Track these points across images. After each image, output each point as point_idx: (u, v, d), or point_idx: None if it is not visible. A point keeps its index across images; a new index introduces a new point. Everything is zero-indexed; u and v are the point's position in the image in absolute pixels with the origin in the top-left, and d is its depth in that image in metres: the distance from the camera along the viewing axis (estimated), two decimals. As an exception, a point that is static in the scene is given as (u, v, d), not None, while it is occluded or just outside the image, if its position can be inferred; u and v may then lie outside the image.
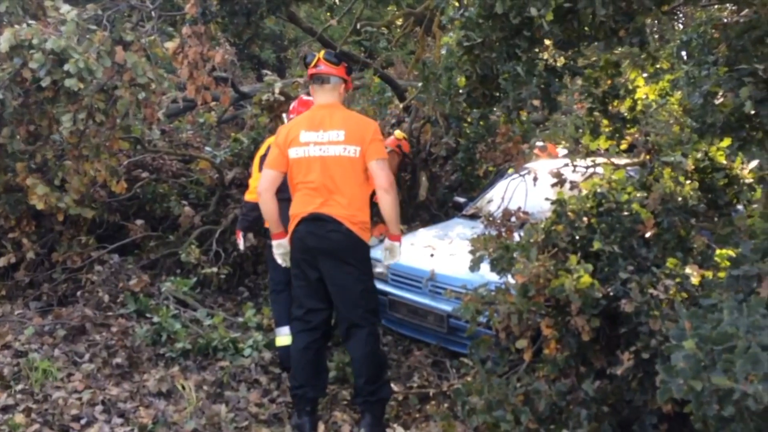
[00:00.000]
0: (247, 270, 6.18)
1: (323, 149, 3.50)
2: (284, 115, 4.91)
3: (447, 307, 4.46)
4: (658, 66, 3.91)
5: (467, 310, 3.23)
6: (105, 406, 3.57)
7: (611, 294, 2.94)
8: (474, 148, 7.58)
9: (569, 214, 3.35)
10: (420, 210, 7.73)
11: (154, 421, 3.42)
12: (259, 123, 6.25)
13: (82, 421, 3.40)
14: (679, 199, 3.26)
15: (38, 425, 3.29)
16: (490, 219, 5.23)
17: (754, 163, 4.28)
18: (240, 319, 4.90)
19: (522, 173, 5.16)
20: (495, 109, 4.02)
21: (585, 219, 3.33)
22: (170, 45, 4.15)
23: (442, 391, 3.84)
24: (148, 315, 4.77)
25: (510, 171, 5.83)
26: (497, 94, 3.60)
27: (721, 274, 2.72)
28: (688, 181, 3.29)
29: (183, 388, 3.83)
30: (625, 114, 3.81)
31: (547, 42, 3.36)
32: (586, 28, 3.32)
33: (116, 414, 3.51)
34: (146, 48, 4.25)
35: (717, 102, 4.30)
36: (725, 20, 3.49)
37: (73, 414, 3.44)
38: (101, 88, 4.09)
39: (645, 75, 3.88)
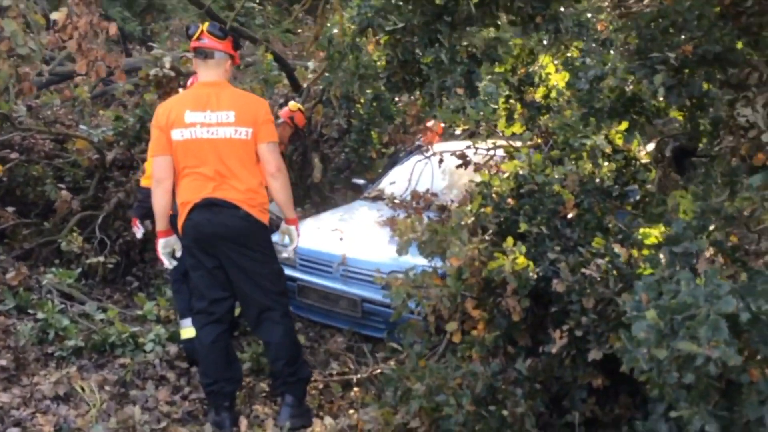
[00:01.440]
0: (134, 258, 5.78)
1: (212, 131, 3.26)
2: (181, 91, 4.60)
3: (360, 292, 4.41)
4: (569, 54, 4.01)
5: (398, 295, 3.17)
6: (-4, 414, 3.20)
7: (540, 274, 3.00)
8: (368, 129, 7.55)
9: (494, 196, 3.37)
10: (311, 192, 7.60)
11: (57, 429, 3.10)
12: (145, 100, 5.82)
13: (-28, 434, 3.03)
14: (597, 180, 3.37)
15: None
16: (398, 201, 5.24)
17: (651, 146, 4.53)
18: (138, 312, 4.56)
19: (428, 155, 5.17)
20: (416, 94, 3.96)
21: (509, 201, 3.36)
22: (57, 15, 3.73)
23: (364, 377, 3.76)
24: (30, 311, 4.33)
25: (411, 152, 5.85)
26: (418, 79, 3.56)
27: (645, 252, 2.83)
28: (605, 163, 3.39)
29: (82, 389, 3.51)
30: (540, 101, 3.88)
31: (468, 28, 3.36)
32: (504, 14, 3.36)
33: (11, 423, 3.15)
34: (25, 14, 3.80)
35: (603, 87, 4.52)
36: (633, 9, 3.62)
37: (-41, 426, 3.06)
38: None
39: (556, 62, 3.98)
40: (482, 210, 3.21)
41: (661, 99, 3.34)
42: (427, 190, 5.03)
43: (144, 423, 3.20)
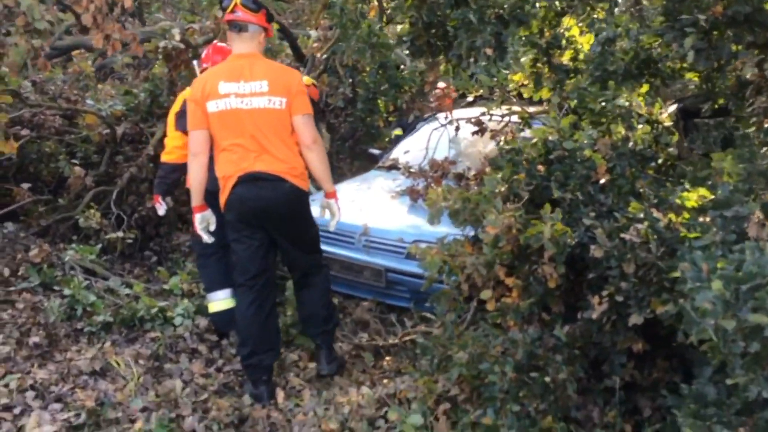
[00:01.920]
0: (149, 233, 5.77)
1: (246, 101, 3.25)
2: (195, 63, 4.54)
3: (384, 262, 4.41)
4: (594, 16, 3.97)
5: (433, 264, 3.18)
6: (36, 391, 3.21)
7: (575, 240, 3.00)
8: (374, 97, 7.50)
9: (524, 162, 3.36)
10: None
11: (99, 403, 3.12)
12: (155, 74, 5.75)
13: (15, 411, 3.04)
14: (630, 144, 3.36)
15: (-37, 420, 2.91)
16: (414, 170, 5.22)
17: (672, 108, 4.52)
18: (163, 287, 4.55)
19: (444, 123, 5.14)
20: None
21: (539, 167, 3.35)
22: (71, -15, 3.66)
23: (395, 345, 3.78)
24: (55, 288, 4.33)
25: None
26: (442, 43, 3.52)
27: (686, 216, 2.84)
28: (639, 126, 3.37)
29: (117, 364, 3.52)
30: (568, 64, 3.85)
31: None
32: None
33: (52, 399, 3.17)
34: (39, -13, 3.72)
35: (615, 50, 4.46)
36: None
37: (2, 404, 3.06)
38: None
39: (580, 24, 3.94)
40: (515, 177, 3.20)
41: (690, 62, 3.27)
42: (446, 158, 5.03)
43: (185, 396, 3.22)
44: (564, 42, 3.77)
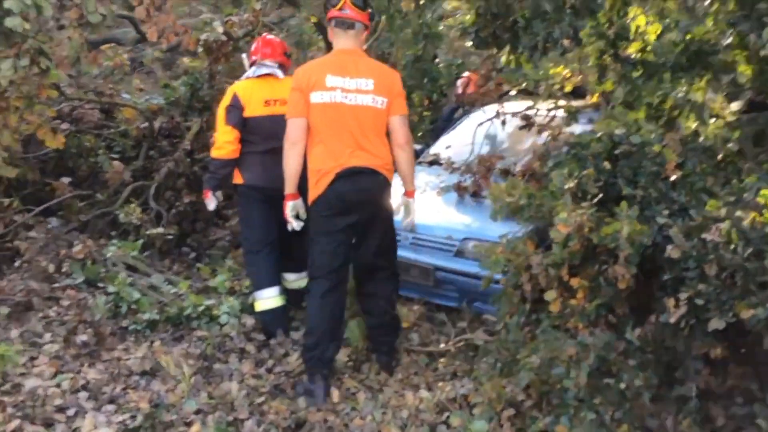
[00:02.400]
0: (186, 228, 5.69)
1: (350, 97, 3.32)
2: (244, 56, 4.45)
3: (432, 260, 4.28)
4: (665, 5, 3.81)
5: (497, 263, 3.06)
6: (89, 392, 3.14)
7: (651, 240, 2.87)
8: (409, 91, 7.37)
9: (590, 158, 3.22)
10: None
11: (153, 405, 3.04)
12: (193, 67, 5.67)
13: (69, 412, 2.96)
14: (701, 138, 3.22)
15: (18, 421, 2.82)
16: (460, 166, 5.09)
17: (735, 105, 4.33)
18: (206, 284, 4.47)
19: (492, 117, 5.01)
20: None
21: (606, 163, 3.22)
22: (125, -22, 3.58)
23: (452, 349, 3.66)
24: (99, 284, 4.27)
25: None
26: (507, 35, 3.39)
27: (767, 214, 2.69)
28: (712, 120, 3.22)
29: (167, 364, 3.44)
30: (636, 56, 3.69)
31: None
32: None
33: (105, 400, 3.09)
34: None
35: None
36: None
37: (56, 404, 2.99)
38: (40, 28, 3.47)
39: (648, 14, 3.78)
40: (583, 173, 3.06)
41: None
42: (494, 153, 4.90)
43: (242, 398, 3.13)
44: (633, 34, 3.61)
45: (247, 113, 3.84)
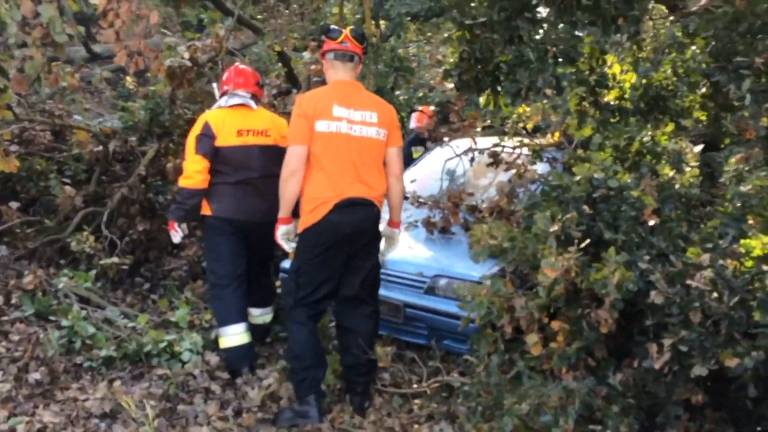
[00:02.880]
0: (138, 258, 5.47)
1: (355, 129, 3.35)
2: (215, 86, 4.34)
3: (402, 297, 4.22)
4: (640, 56, 3.91)
5: (481, 306, 3.02)
6: (47, 437, 2.93)
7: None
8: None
9: (571, 201, 3.24)
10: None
11: (116, 451, 2.86)
12: (154, 92, 5.50)
13: (26, 460, 2.76)
14: (677, 186, 3.28)
15: (-31, 471, 2.61)
16: (426, 201, 5.07)
17: (698, 148, 4.46)
18: (170, 318, 4.27)
19: (462, 153, 5.02)
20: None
21: (585, 207, 3.24)
22: (97, 0, 3.43)
23: (431, 389, 3.58)
24: (51, 318, 4.03)
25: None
26: (489, 78, 3.41)
27: (749, 263, 2.75)
28: (688, 168, 3.29)
29: (128, 405, 3.26)
30: (614, 103, 3.76)
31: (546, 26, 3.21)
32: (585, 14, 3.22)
33: (64, 446, 2.89)
34: (60, -1, 3.49)
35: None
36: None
37: (11, 453, 2.78)
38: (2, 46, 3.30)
39: (622, 63, 3.87)
40: (567, 216, 3.06)
41: (746, 104, 3.21)
42: (463, 189, 4.90)
43: (211, 443, 2.98)
44: (611, 81, 3.69)
45: (218, 142, 3.72)
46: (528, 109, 5.34)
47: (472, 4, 3.25)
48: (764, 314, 2.38)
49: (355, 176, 3.33)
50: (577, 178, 3.38)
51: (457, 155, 5.08)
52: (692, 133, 5.47)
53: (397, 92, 7.43)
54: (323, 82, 6.93)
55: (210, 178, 3.76)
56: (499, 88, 3.69)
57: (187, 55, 4.98)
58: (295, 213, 3.42)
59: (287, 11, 11.04)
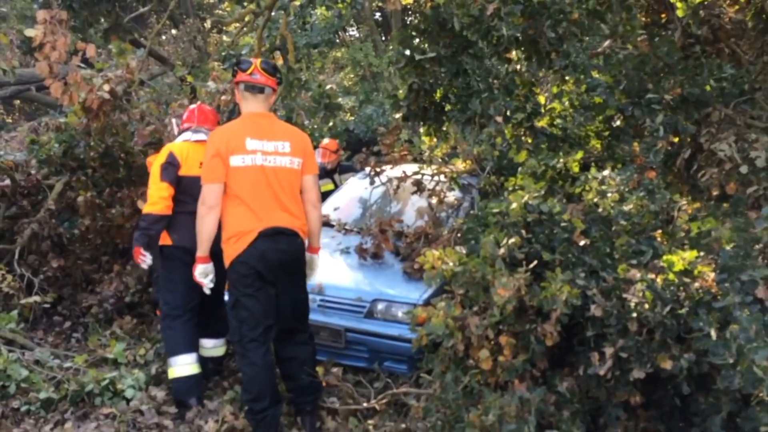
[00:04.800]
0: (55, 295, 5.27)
1: (269, 159, 3.39)
2: (174, 122, 4.38)
3: (342, 322, 4.34)
4: (563, 87, 4.29)
5: (439, 326, 3.21)
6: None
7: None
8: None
9: (510, 226, 3.51)
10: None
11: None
12: (68, 125, 5.33)
13: None
14: (600, 210, 3.63)
15: None
16: (356, 228, 5.26)
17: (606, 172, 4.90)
18: (106, 355, 4.16)
19: (385, 181, 5.23)
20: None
21: (523, 231, 3.52)
22: (34, 33, 3.34)
23: (382, 406, 3.70)
24: (-23, 362, 3.83)
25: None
26: (436, 107, 3.64)
27: (671, 277, 3.11)
28: (609, 194, 3.65)
29: (81, 447, 3.18)
30: (548, 130, 4.10)
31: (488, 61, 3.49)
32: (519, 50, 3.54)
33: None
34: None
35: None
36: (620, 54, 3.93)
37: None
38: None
39: (546, 94, 4.23)
40: (511, 240, 3.33)
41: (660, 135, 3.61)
42: (392, 217, 5.11)
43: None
44: (543, 110, 4.04)
45: (182, 171, 3.82)
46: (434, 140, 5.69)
47: (415, 42, 3.49)
48: (696, 320, 2.71)
49: (278, 205, 3.37)
50: (513, 204, 3.68)
51: (383, 183, 5.31)
52: (591, 159, 6.00)
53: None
54: (232, 112, 6.98)
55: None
56: (445, 118, 3.95)
57: (107, 87, 4.89)
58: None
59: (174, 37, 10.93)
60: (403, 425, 3.44)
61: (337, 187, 6.56)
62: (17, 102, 12.66)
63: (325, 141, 6.96)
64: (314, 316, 4.37)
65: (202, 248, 3.38)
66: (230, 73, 6.79)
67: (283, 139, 3.43)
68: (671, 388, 3.00)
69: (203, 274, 3.43)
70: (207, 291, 3.48)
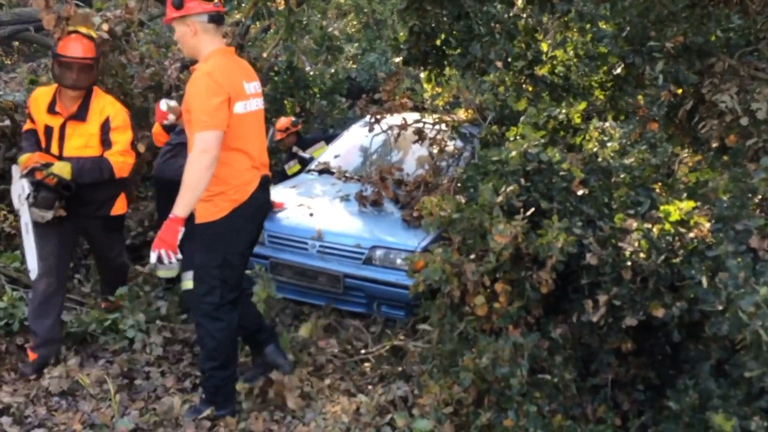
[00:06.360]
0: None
1: (257, 103, 3.12)
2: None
3: (341, 268, 4.39)
4: (567, 35, 4.23)
5: (436, 271, 3.25)
6: (12, 416, 2.89)
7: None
8: (282, 98, 7.42)
9: (510, 174, 3.52)
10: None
11: (86, 425, 2.87)
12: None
13: (-4, 441, 2.73)
14: (599, 159, 3.64)
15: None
16: (356, 176, 5.27)
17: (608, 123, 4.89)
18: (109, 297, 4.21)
19: (386, 129, 5.21)
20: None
21: (522, 179, 3.53)
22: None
23: (369, 353, 3.78)
24: (-17, 300, 3.89)
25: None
26: (437, 52, 3.60)
27: (667, 227, 3.13)
28: (609, 143, 3.65)
29: (84, 383, 3.26)
30: (549, 78, 4.07)
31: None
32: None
33: (33, 425, 2.87)
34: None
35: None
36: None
37: (-22, 434, 2.74)
38: None
39: (549, 42, 4.18)
40: (509, 188, 3.34)
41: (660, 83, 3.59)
42: (393, 165, 5.12)
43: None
44: (545, 57, 4.00)
45: None
46: (440, 90, 5.65)
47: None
48: (689, 268, 2.75)
49: (261, 153, 3.15)
50: (513, 153, 3.69)
51: (383, 131, 5.30)
52: (593, 110, 5.97)
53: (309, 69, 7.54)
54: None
55: None
56: (446, 62, 3.90)
57: (105, 27, 4.83)
58: None
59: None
60: (400, 368, 3.51)
61: (304, 165, 6.13)
62: (16, 43, 12.52)
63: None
64: (313, 262, 4.46)
65: (192, 204, 2.87)
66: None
67: (255, 79, 3.13)
68: (662, 335, 3.05)
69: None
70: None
